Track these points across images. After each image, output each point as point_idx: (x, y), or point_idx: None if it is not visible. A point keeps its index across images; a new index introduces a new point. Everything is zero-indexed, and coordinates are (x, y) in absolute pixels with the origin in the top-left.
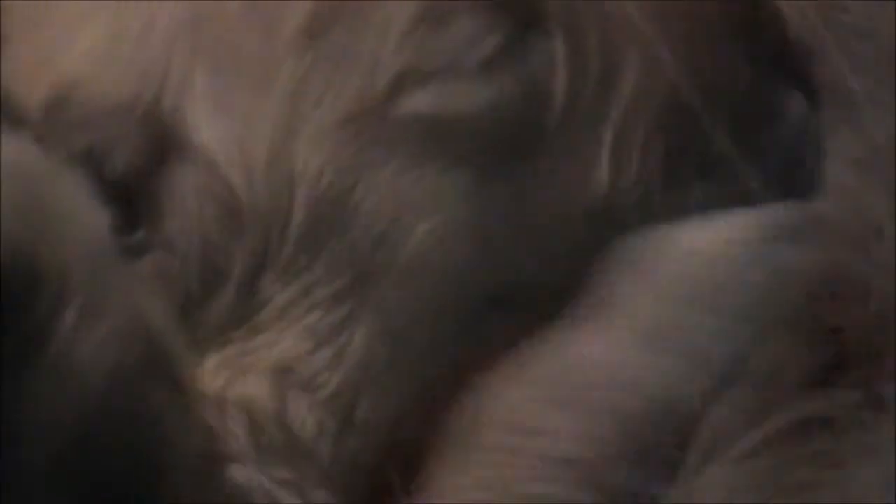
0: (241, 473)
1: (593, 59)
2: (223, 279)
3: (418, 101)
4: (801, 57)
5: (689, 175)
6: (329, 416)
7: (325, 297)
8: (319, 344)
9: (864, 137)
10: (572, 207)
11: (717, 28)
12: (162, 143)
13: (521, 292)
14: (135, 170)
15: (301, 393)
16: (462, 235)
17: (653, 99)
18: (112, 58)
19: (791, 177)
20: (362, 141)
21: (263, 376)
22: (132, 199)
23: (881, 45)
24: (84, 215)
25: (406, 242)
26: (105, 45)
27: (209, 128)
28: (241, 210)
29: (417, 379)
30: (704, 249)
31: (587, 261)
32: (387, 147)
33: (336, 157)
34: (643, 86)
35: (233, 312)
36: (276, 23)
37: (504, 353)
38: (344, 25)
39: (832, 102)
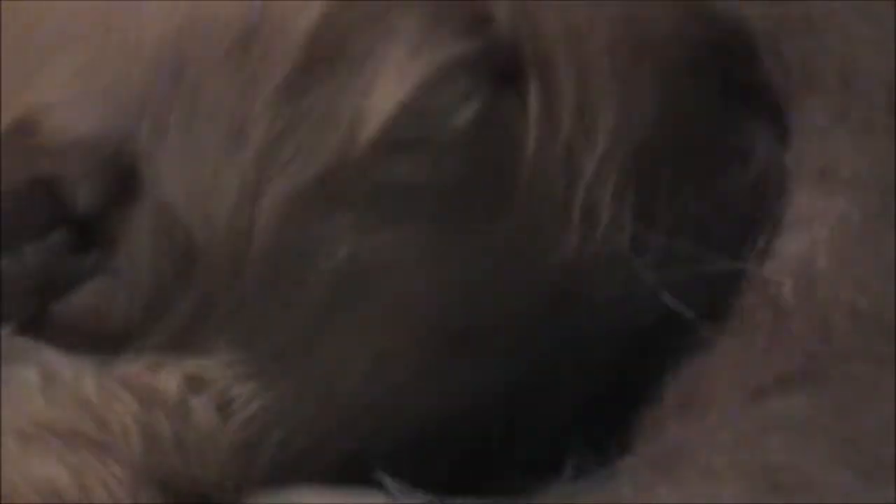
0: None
1: (566, 117)
2: (167, 314)
3: (394, 169)
4: (773, 93)
5: (657, 233)
6: (229, 437)
7: (263, 352)
8: (248, 376)
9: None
10: (539, 264)
11: (692, 62)
12: (126, 183)
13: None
14: (96, 205)
15: (208, 402)
16: (420, 294)
17: (625, 149)
18: (89, 88)
19: (755, 220)
20: (326, 207)
21: (175, 376)
22: (89, 223)
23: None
24: None
25: (355, 308)
26: (84, 73)
27: (176, 177)
28: (195, 257)
29: (336, 439)
30: None
31: (550, 312)
32: (351, 215)
33: (297, 221)
34: (616, 138)
35: (170, 344)
36: (258, 77)
37: None
38: (325, 86)
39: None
